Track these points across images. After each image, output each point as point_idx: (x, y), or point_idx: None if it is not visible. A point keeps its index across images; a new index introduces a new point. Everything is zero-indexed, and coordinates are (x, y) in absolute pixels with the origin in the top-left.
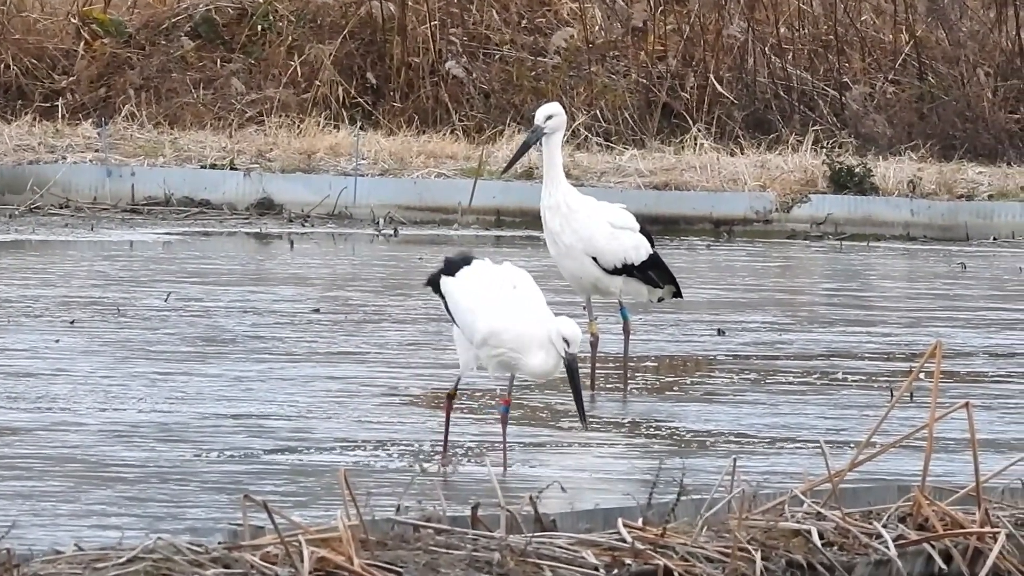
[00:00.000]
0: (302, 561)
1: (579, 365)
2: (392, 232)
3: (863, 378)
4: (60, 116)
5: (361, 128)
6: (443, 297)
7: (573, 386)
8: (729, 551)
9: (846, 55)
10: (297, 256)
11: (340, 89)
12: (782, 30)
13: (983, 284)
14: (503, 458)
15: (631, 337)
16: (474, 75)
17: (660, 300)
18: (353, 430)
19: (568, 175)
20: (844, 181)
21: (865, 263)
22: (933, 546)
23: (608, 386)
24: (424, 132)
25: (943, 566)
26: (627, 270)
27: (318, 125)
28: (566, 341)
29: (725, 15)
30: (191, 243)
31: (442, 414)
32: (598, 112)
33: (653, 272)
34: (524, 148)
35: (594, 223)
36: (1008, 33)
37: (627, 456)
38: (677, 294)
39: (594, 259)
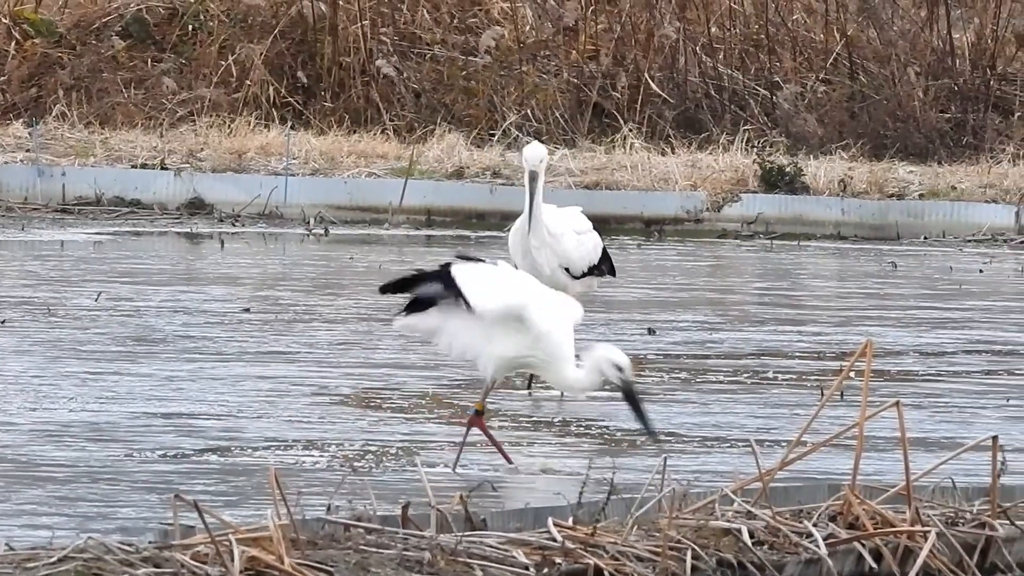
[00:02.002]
0: (232, 560)
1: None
2: (323, 232)
3: (793, 377)
4: None
5: (292, 128)
6: (462, 296)
7: (636, 410)
8: (659, 550)
9: (777, 54)
10: (228, 256)
11: (271, 89)
12: (713, 29)
13: (914, 283)
14: (456, 457)
15: None
16: (405, 75)
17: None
18: (283, 430)
19: (498, 175)
20: (775, 180)
21: (796, 262)
22: (864, 545)
23: (539, 385)
24: (355, 132)
25: (873, 565)
26: (590, 271)
27: (249, 125)
28: (618, 368)
29: (656, 15)
30: (122, 243)
31: (372, 414)
32: (529, 112)
33: (604, 265)
34: (533, 200)
35: (565, 237)
36: (939, 32)
37: (557, 455)
38: (611, 272)
39: (565, 269)
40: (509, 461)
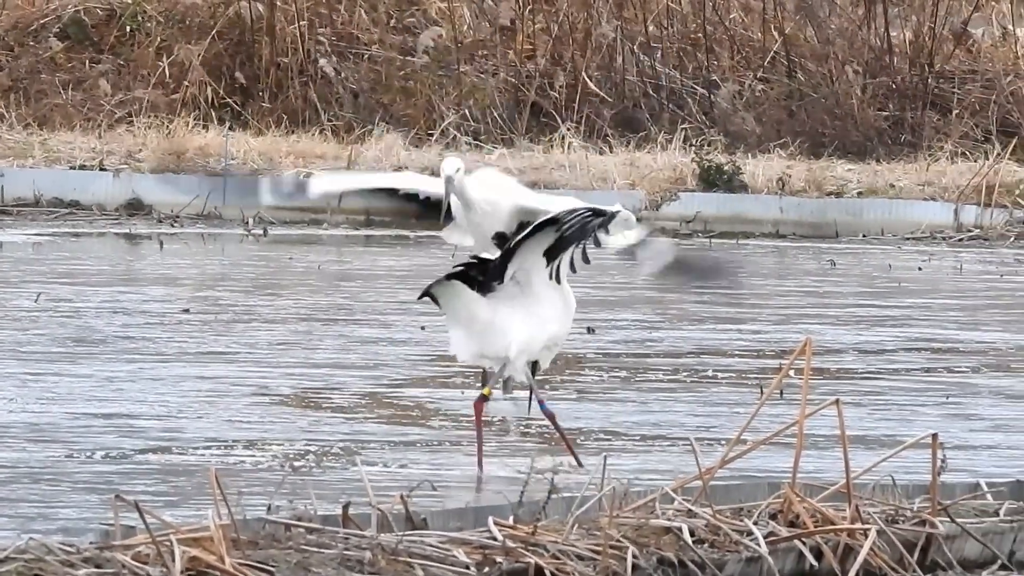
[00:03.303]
0: (173, 560)
1: None
2: (262, 232)
3: (733, 375)
4: None
5: (230, 128)
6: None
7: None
8: (600, 549)
9: (715, 53)
10: (167, 256)
11: (209, 89)
12: (651, 28)
13: (852, 281)
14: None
15: None
16: (343, 75)
17: None
18: (223, 430)
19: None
20: (713, 179)
21: (735, 260)
22: (804, 543)
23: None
24: (293, 132)
25: (814, 563)
26: None
27: (187, 125)
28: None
29: (594, 14)
30: (61, 244)
31: (313, 414)
32: (467, 111)
33: None
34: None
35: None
36: (876, 30)
37: (498, 454)
38: None
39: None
40: (480, 466)
